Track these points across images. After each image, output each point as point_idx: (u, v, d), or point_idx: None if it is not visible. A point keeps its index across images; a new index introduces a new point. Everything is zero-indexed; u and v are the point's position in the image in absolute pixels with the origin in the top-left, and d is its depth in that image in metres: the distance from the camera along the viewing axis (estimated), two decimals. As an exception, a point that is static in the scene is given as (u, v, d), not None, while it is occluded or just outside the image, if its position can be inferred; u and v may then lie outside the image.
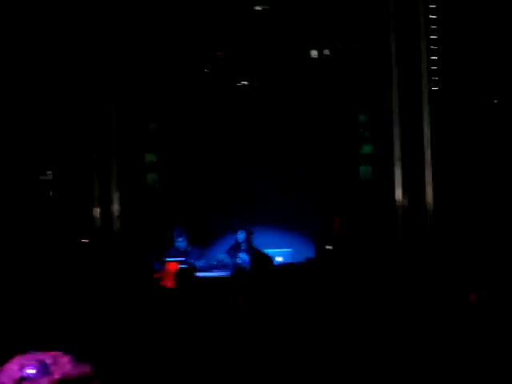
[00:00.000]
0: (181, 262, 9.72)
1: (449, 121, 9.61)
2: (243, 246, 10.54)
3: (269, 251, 9.92)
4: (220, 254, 10.45)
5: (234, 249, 10.49)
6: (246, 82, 11.69)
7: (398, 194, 9.61)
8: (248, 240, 10.60)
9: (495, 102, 9.81)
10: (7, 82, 10.21)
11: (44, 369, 2.42)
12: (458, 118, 9.73)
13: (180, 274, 7.10)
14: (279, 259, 9.74)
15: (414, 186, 9.54)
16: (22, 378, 2.40)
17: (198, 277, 9.33)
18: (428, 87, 9.72)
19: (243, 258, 10.05)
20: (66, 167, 10.79)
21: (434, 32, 9.90)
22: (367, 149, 10.88)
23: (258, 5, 11.38)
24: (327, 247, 9.74)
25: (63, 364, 2.45)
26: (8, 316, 6.12)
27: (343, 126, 11.18)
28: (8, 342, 4.92)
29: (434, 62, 9.91)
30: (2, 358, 2.51)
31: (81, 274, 9.38)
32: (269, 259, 6.94)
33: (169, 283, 6.66)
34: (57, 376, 2.42)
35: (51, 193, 11.00)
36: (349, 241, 9.81)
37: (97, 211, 10.44)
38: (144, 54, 11.07)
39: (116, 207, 10.43)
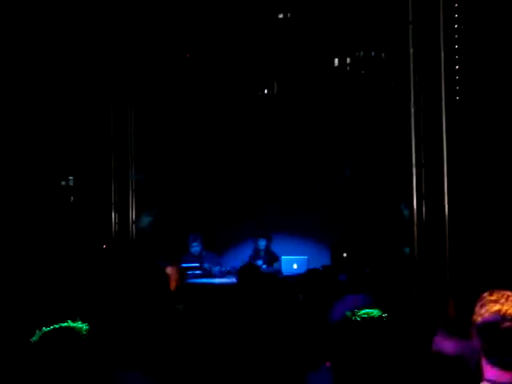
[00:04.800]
0: (196, 268, 9.74)
1: (469, 130, 9.51)
2: (262, 254, 10.54)
3: (284, 258, 9.91)
4: (235, 260, 10.47)
5: (254, 256, 10.50)
6: (266, 90, 11.69)
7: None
8: (268, 247, 10.60)
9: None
10: (29, 88, 10.29)
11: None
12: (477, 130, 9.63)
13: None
14: (295, 266, 9.71)
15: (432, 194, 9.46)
16: None
17: (214, 283, 9.34)
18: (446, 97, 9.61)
19: (260, 265, 10.04)
20: (87, 173, 10.85)
21: (454, 41, 9.81)
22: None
23: (281, 13, 11.37)
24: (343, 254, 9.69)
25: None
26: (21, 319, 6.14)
27: (366, 135, 11.14)
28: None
29: (454, 73, 9.81)
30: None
31: (99, 278, 9.43)
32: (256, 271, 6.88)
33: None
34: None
35: (72, 198, 11.08)
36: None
37: (114, 216, 10.48)
38: (166, 60, 11.12)
39: (133, 213, 10.46)
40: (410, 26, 9.55)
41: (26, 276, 9.37)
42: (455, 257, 8.98)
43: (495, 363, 3.01)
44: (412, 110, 9.50)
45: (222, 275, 9.86)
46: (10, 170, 10.19)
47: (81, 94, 10.61)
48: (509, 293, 3.18)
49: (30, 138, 10.40)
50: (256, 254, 10.52)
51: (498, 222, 9.03)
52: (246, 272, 6.62)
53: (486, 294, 3.20)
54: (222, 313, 5.85)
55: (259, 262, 10.19)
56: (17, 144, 10.28)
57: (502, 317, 3.04)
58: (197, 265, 9.85)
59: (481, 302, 3.16)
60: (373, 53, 11.16)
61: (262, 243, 10.60)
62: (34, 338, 3.42)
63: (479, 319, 3.11)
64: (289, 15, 11.41)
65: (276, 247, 10.68)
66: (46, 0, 10.09)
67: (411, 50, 9.58)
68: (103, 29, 10.51)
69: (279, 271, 9.69)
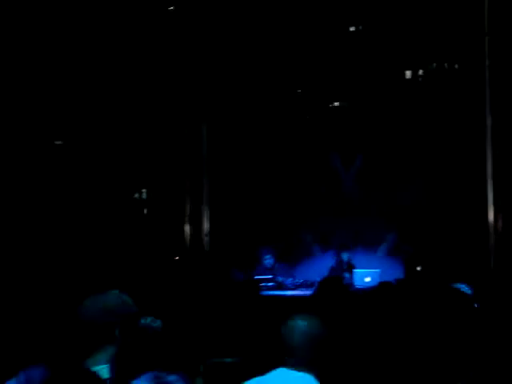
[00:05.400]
0: (269, 280, 9.76)
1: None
2: (345, 266, 10.48)
3: (357, 271, 9.86)
4: (308, 272, 10.47)
5: (337, 269, 10.43)
6: (337, 103, 11.69)
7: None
8: (350, 260, 10.56)
9: None
10: (111, 102, 10.51)
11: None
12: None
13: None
14: (367, 280, 9.64)
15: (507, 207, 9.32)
16: None
17: (286, 295, 9.35)
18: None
19: (347, 277, 9.93)
20: (160, 186, 10.99)
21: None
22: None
23: (352, 25, 11.36)
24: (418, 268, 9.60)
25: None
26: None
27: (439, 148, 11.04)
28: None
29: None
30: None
31: (173, 290, 9.52)
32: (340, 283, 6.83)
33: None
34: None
35: (145, 210, 11.23)
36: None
37: (188, 229, 10.58)
38: (236, 77, 11.22)
39: (206, 225, 10.55)
40: (486, 38, 9.45)
41: (102, 287, 9.51)
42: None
43: None
44: (488, 122, 9.39)
45: (295, 287, 9.85)
46: (86, 182, 10.39)
47: (157, 108, 10.78)
48: None
49: (106, 149, 10.60)
50: (339, 267, 10.46)
51: None
52: (330, 283, 6.57)
53: None
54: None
55: (346, 274, 10.10)
56: (93, 155, 10.49)
57: None
58: (270, 277, 9.86)
59: None
60: (446, 64, 11.07)
61: (345, 256, 10.56)
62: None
63: None
64: (360, 28, 11.40)
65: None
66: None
67: (487, 62, 9.48)
68: (181, 45, 10.66)
69: (351, 284, 9.64)
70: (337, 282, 6.77)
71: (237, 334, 5.79)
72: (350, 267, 10.34)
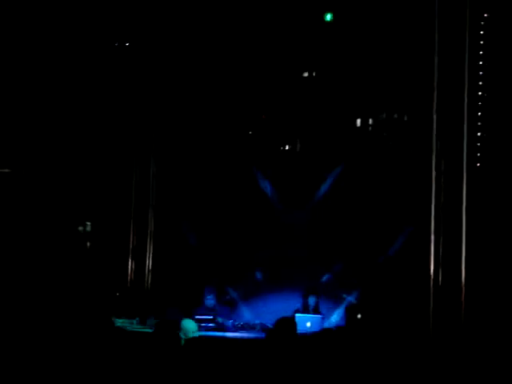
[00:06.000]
0: (209, 321, 9.70)
1: (488, 195, 9.52)
2: (311, 310, 10.43)
3: (298, 316, 9.85)
4: (248, 315, 10.45)
5: (303, 312, 10.33)
6: (288, 147, 11.77)
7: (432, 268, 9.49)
8: (317, 304, 10.51)
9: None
10: (50, 133, 10.42)
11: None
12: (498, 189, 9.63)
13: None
14: (308, 325, 9.64)
15: (448, 260, 9.42)
16: None
17: (227, 337, 9.30)
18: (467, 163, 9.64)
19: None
20: (105, 219, 10.90)
21: (478, 108, 9.86)
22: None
23: (306, 71, 11.49)
24: (358, 316, 9.63)
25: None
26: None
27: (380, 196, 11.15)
28: None
29: (477, 138, 9.85)
30: None
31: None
32: (292, 324, 6.83)
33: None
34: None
35: (88, 244, 11.11)
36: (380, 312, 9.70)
37: (130, 264, 10.51)
38: (188, 110, 11.23)
39: (149, 261, 10.49)
40: (435, 93, 9.63)
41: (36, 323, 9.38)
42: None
43: None
44: (433, 174, 9.52)
45: (235, 329, 9.81)
46: (28, 213, 10.27)
47: (106, 137, 10.71)
48: None
49: (53, 178, 10.50)
50: (305, 311, 10.37)
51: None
52: (286, 325, 6.53)
53: None
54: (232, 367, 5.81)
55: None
56: (40, 183, 10.39)
57: None
58: (210, 317, 9.80)
59: None
60: (395, 115, 11.24)
61: (312, 300, 10.52)
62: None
63: None
64: (314, 74, 11.53)
65: (289, 304, 10.62)
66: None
67: (434, 116, 9.64)
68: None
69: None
70: (291, 324, 6.75)
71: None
72: (316, 312, 10.30)
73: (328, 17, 10.59)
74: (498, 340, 8.41)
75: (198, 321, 8.99)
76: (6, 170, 10.44)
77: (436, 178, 9.52)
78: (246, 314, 10.74)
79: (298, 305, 10.58)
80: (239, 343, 8.85)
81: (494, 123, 9.75)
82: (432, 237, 9.40)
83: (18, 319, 8.91)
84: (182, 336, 6.97)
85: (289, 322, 6.83)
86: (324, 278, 11.24)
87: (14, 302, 9.48)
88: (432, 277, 9.30)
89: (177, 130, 11.23)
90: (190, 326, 7.66)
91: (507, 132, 9.69)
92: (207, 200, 11.50)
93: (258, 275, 11.52)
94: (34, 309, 9.41)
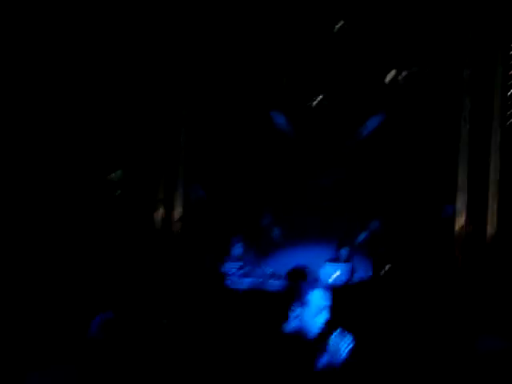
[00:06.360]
0: (238, 268, 9.84)
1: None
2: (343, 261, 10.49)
3: (328, 264, 9.93)
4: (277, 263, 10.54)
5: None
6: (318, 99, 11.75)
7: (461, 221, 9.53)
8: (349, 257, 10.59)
9: None
10: (86, 89, 10.48)
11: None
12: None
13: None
14: (337, 273, 9.72)
15: (476, 214, 9.47)
16: None
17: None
18: (500, 119, 9.61)
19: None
20: (135, 167, 10.97)
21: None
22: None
23: (337, 24, 11.42)
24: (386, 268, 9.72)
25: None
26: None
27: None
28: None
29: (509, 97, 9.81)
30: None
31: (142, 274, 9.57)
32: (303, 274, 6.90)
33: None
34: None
35: (119, 191, 11.19)
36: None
37: (159, 213, 10.58)
38: (219, 77, 11.24)
39: (178, 210, 10.56)
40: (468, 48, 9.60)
41: (66, 267, 9.54)
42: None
43: None
44: (466, 127, 9.53)
45: (265, 278, 9.91)
46: (59, 160, 10.36)
47: (133, 87, 10.75)
48: None
49: (82, 129, 10.57)
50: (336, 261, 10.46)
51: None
52: (297, 275, 6.63)
53: None
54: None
55: None
56: (68, 133, 10.46)
57: None
58: (238, 264, 9.94)
59: None
60: (427, 69, 11.19)
61: (345, 252, 10.56)
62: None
63: None
64: (346, 26, 11.47)
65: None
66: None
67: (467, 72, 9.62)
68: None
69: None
70: (302, 275, 6.84)
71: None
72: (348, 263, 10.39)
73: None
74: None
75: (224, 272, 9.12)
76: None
77: (469, 131, 9.53)
78: (275, 263, 10.83)
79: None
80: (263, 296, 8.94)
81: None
82: (460, 188, 9.43)
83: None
84: None
85: (300, 273, 6.92)
86: (360, 238, 11.26)
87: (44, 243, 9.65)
88: (458, 232, 9.38)
89: (205, 82, 11.23)
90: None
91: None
92: (236, 152, 11.58)
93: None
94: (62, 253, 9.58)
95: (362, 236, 11.12)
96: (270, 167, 11.62)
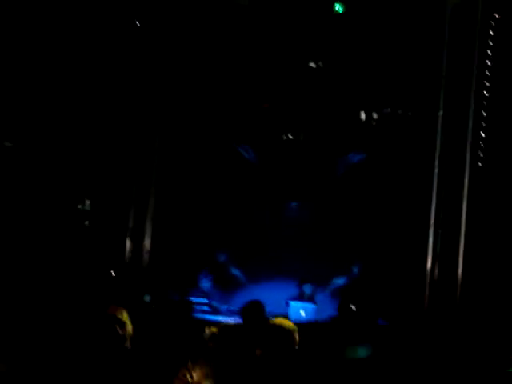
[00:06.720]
0: (204, 304, 9.75)
1: (488, 194, 9.56)
2: (306, 299, 10.43)
3: (292, 303, 9.87)
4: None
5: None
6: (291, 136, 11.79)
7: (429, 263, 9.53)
8: (313, 294, 10.51)
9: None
10: (53, 111, 10.38)
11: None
12: (496, 192, 9.67)
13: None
14: (302, 314, 9.67)
15: (446, 255, 9.47)
16: None
17: (219, 321, 9.32)
18: (470, 162, 9.67)
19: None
20: (105, 198, 10.87)
21: (483, 107, 9.88)
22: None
23: (313, 61, 11.49)
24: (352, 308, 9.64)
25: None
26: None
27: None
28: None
29: (481, 138, 9.87)
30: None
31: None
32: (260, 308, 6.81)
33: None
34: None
35: (87, 222, 11.07)
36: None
37: (128, 244, 10.48)
38: (191, 97, 11.23)
39: (147, 242, 10.48)
40: (442, 91, 9.67)
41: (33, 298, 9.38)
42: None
43: None
44: (436, 171, 9.57)
45: (229, 314, 9.84)
46: (28, 187, 10.25)
47: (105, 118, 10.68)
48: None
49: (53, 156, 10.47)
50: (300, 299, 10.36)
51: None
52: (252, 309, 6.54)
53: None
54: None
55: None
56: (37, 160, 10.35)
57: None
58: (205, 301, 9.86)
59: None
60: (400, 110, 11.27)
61: (308, 288, 10.52)
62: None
63: None
64: (320, 64, 11.54)
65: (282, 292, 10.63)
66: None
67: (440, 113, 9.68)
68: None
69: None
70: (258, 308, 6.74)
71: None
72: (312, 301, 10.31)
73: (338, 8, 10.57)
74: (492, 336, 8.45)
75: (192, 303, 9.03)
76: (8, 144, 10.42)
77: (438, 174, 9.57)
78: (241, 299, 10.75)
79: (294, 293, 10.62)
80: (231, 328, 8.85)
81: (498, 124, 9.79)
82: (431, 231, 9.45)
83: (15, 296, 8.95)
84: None
85: (255, 306, 6.83)
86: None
87: (9, 278, 9.49)
88: (429, 272, 9.36)
89: (179, 114, 11.21)
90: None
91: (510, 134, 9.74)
92: (206, 187, 11.53)
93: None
94: (31, 285, 9.43)
95: (330, 275, 11.11)
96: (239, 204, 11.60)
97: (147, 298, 9.40)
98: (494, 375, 5.87)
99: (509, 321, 8.56)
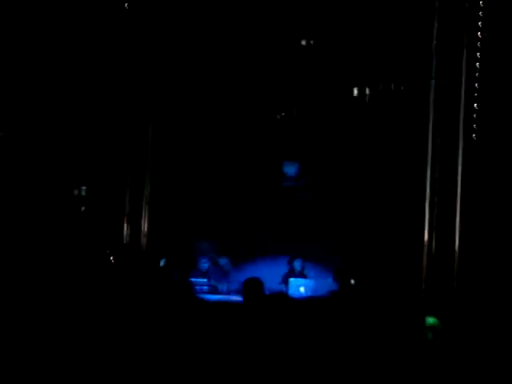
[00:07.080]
0: (203, 284, 9.78)
1: (483, 166, 9.59)
2: (297, 274, 10.46)
3: (292, 280, 9.90)
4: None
5: (288, 277, 10.37)
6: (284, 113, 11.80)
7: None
8: (303, 269, 10.54)
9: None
10: (47, 98, 10.38)
11: None
12: (492, 168, 9.69)
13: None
14: (302, 290, 9.70)
15: (443, 229, 9.51)
16: None
17: (220, 300, 9.38)
18: (464, 135, 9.70)
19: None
20: (100, 184, 10.88)
21: (475, 79, 9.89)
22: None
23: (304, 39, 11.49)
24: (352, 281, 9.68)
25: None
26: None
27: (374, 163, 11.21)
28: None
29: (474, 110, 9.88)
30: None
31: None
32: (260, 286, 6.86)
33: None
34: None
35: (83, 208, 11.09)
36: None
37: (126, 227, 10.50)
38: (186, 79, 11.22)
39: (145, 225, 10.49)
40: (434, 61, 9.67)
41: (30, 284, 9.39)
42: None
43: None
44: (429, 147, 9.60)
45: (228, 293, 9.88)
46: (23, 175, 10.26)
47: (101, 103, 10.68)
48: None
49: (48, 143, 10.47)
50: (291, 275, 10.40)
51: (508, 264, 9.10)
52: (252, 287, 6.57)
53: None
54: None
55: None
56: (31, 149, 10.36)
57: None
58: (204, 281, 9.90)
59: None
60: (392, 85, 11.26)
61: (298, 264, 10.55)
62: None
63: None
64: (311, 42, 11.54)
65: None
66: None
67: (432, 82, 9.68)
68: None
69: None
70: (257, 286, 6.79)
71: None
72: (303, 276, 10.35)
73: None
74: (489, 311, 8.50)
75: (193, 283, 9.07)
76: (0, 134, 10.43)
77: (432, 147, 9.59)
78: (240, 278, 10.80)
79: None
80: (231, 306, 8.91)
81: (491, 96, 9.81)
82: (427, 204, 9.48)
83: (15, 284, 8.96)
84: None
85: (254, 284, 6.87)
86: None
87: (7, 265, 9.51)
88: (426, 245, 9.41)
89: (175, 97, 11.21)
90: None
91: (504, 105, 9.76)
92: (203, 172, 11.55)
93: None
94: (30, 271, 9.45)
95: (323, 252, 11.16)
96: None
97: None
98: (492, 347, 5.93)
99: (506, 294, 8.62)
